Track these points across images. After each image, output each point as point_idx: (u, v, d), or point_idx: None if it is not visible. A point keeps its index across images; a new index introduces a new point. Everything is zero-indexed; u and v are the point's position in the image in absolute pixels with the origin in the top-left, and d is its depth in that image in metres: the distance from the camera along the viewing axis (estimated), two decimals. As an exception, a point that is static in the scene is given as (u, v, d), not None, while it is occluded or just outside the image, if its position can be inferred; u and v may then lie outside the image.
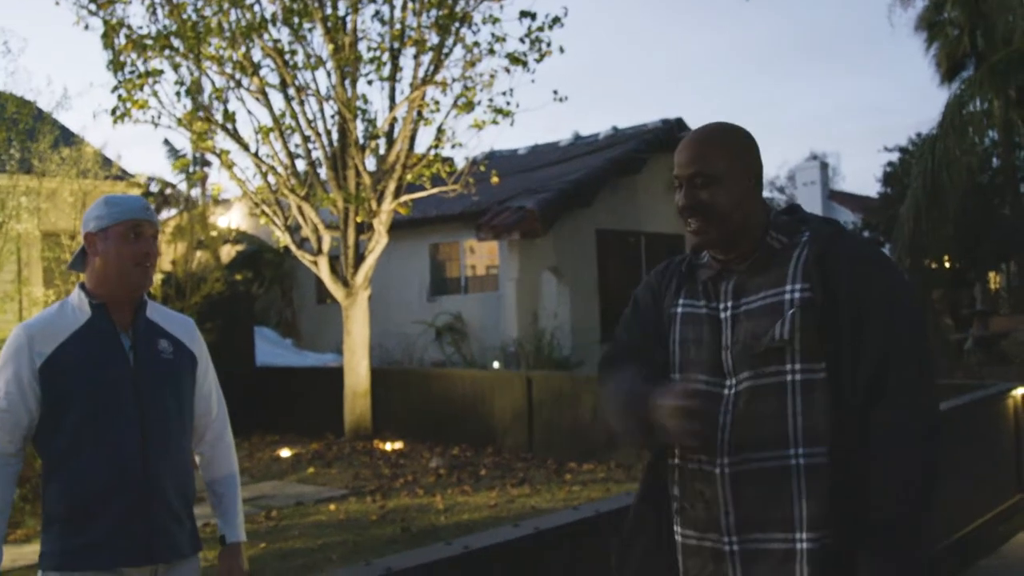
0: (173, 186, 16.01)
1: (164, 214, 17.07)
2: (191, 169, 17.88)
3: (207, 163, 22.93)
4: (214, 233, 18.18)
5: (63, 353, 2.91)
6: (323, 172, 13.31)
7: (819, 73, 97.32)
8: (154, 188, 14.21)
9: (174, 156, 24.53)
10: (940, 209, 14.48)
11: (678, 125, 19.60)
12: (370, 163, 13.23)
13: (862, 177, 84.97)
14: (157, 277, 13.89)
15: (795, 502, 2.25)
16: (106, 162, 12.86)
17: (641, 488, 2.59)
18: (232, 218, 22.47)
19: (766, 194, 37.05)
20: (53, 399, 2.90)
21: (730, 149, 2.39)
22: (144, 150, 70.76)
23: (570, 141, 21.58)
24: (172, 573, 3.00)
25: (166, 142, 32.16)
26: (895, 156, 29.78)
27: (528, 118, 71.98)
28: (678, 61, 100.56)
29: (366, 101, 13.23)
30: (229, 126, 12.92)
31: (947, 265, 25.05)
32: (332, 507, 9.21)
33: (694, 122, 38.80)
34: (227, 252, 21.22)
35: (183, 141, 26.96)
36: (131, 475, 2.90)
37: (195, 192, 16.36)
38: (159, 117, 12.79)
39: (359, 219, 12.93)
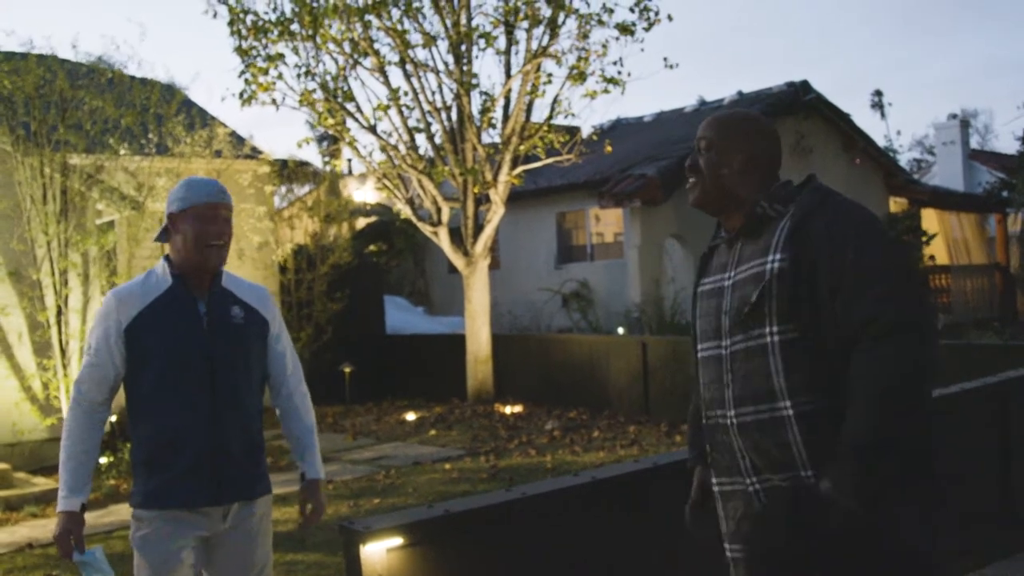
0: (306, 163, 16.64)
1: (299, 190, 17.73)
2: (323, 145, 18.56)
3: (337, 140, 23.67)
4: (349, 206, 18.81)
5: (145, 317, 3.34)
6: (441, 144, 13.68)
7: (974, 27, 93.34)
8: (283, 165, 14.86)
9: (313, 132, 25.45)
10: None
11: (803, 88, 19.27)
12: (485, 136, 13.58)
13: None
14: (288, 248, 14.65)
15: (792, 444, 2.55)
16: (239, 141, 13.52)
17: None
18: (366, 191, 23.13)
19: (916, 155, 35.55)
20: (135, 357, 3.34)
21: (732, 128, 2.77)
22: (277, 129, 72.57)
23: (695, 107, 21.48)
24: (243, 512, 3.40)
25: (307, 121, 33.08)
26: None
27: (657, 85, 71.35)
28: (816, 18, 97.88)
29: (476, 77, 13.54)
30: (349, 105, 13.43)
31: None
32: (447, 466, 9.66)
33: (820, 84, 37.49)
34: (361, 224, 21.88)
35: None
36: (200, 426, 3.31)
37: (328, 168, 17.01)
38: (283, 100, 13.39)
39: (475, 191, 13.31)
